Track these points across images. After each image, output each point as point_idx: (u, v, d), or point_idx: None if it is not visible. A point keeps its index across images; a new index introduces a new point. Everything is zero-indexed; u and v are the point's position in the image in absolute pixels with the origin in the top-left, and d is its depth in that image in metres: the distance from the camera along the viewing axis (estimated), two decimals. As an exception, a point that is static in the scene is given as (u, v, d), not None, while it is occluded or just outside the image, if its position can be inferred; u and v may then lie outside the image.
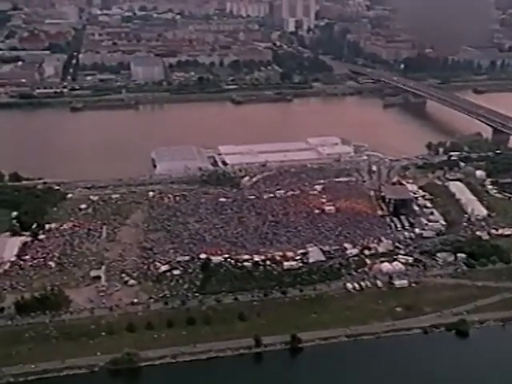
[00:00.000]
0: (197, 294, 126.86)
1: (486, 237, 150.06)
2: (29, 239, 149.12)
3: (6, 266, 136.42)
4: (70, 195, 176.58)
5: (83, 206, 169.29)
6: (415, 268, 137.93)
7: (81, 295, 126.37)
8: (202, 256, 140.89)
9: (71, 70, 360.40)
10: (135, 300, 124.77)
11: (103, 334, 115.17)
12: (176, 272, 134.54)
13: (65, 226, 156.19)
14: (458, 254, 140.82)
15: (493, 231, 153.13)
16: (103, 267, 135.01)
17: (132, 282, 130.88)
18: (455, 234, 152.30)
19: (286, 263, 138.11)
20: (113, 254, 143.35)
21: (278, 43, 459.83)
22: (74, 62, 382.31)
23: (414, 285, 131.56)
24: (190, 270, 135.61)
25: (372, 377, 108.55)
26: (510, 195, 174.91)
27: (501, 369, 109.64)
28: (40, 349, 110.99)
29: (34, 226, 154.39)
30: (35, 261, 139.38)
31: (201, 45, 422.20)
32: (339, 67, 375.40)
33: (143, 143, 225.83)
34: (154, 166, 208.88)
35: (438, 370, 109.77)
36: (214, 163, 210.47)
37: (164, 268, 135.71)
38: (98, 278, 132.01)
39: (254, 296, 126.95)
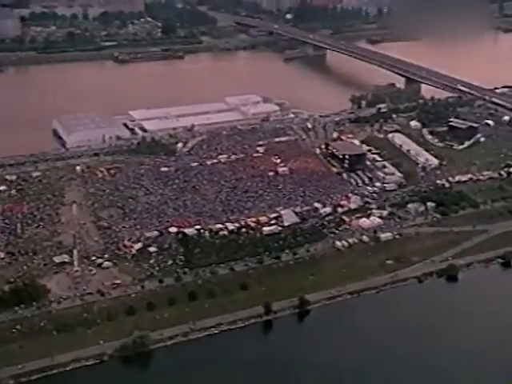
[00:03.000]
0: (186, 269, 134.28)
1: (447, 185, 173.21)
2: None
3: None
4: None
5: (2, 188, 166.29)
6: (392, 221, 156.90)
7: (55, 283, 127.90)
8: (172, 229, 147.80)
9: None
10: (118, 282, 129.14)
11: (99, 321, 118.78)
12: (152, 249, 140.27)
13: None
14: (428, 203, 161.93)
15: (450, 179, 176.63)
16: (75, 251, 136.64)
17: (107, 263, 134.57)
18: (416, 185, 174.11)
19: (265, 228, 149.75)
20: (68, 236, 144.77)
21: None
22: None
23: (397, 237, 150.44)
24: (165, 246, 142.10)
25: (381, 329, 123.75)
26: (450, 143, 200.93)
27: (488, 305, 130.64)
28: (33, 345, 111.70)
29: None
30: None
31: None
32: (223, 19, 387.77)
33: (29, 112, 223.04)
34: (59, 138, 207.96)
35: (439, 315, 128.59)
36: (131, 130, 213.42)
37: (137, 246, 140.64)
38: (65, 263, 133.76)
39: (247, 264, 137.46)
